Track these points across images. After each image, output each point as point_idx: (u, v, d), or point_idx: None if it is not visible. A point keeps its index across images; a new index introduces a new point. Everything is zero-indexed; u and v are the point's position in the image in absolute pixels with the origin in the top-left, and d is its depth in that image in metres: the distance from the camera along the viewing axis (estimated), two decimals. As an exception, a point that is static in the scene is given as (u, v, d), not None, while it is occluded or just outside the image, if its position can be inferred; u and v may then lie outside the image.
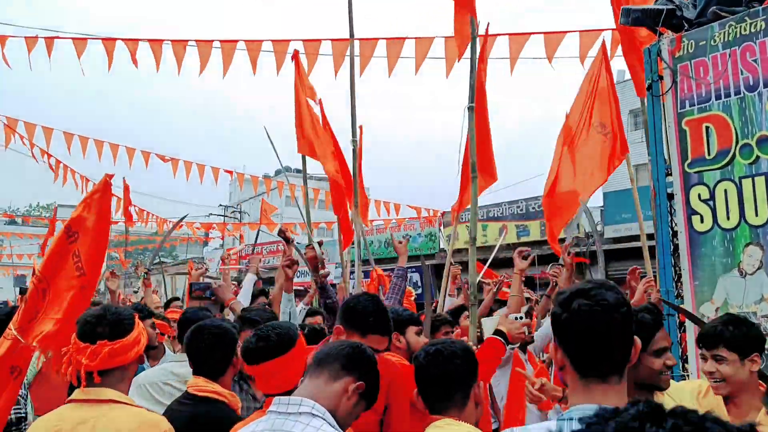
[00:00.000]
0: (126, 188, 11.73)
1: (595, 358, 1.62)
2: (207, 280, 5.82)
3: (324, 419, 1.90)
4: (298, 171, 6.63)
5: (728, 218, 3.39)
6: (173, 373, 3.62)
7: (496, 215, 20.65)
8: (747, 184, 3.34)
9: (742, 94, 3.42)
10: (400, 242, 5.04)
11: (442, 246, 21.79)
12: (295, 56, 7.10)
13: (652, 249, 5.57)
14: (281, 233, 5.07)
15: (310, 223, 6.77)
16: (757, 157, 3.32)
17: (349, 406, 2.00)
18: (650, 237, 6.88)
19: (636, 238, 15.54)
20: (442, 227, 21.32)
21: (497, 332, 3.09)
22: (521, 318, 3.28)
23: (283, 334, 2.45)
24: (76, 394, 2.37)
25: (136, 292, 9.43)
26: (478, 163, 5.99)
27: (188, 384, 2.91)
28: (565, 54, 7.03)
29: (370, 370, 2.10)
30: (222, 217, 34.43)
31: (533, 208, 18.61)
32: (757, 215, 3.29)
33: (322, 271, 4.16)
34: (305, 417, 1.90)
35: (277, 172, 39.83)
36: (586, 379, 1.63)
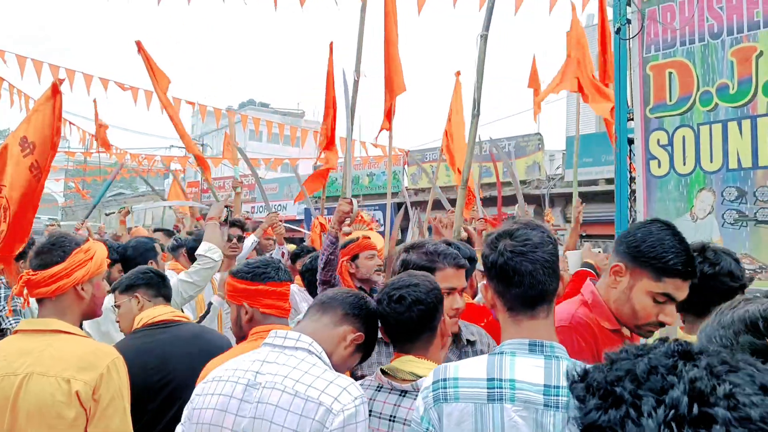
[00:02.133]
0: (96, 113, 11.50)
1: (522, 295, 1.68)
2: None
3: (320, 358, 1.86)
4: (263, 105, 6.46)
5: (684, 164, 3.47)
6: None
7: (460, 156, 20.72)
8: (704, 130, 3.41)
9: (705, 41, 3.44)
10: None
11: (405, 184, 21.84)
12: (139, 46, 6.41)
13: (612, 193, 5.71)
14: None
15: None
16: (716, 104, 3.38)
17: (344, 354, 1.98)
18: (609, 181, 7.02)
19: (595, 182, 15.81)
20: (406, 166, 21.35)
21: (586, 264, 3.12)
22: (600, 251, 3.33)
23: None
24: (22, 324, 2.34)
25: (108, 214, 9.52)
26: (388, 77, 6.13)
27: (161, 313, 2.88)
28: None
29: (371, 323, 2.07)
30: (184, 150, 33.75)
31: (494, 150, 18.67)
32: (711, 162, 3.37)
33: (346, 228, 3.93)
34: (301, 352, 1.86)
35: (241, 105, 39.10)
36: (515, 315, 1.70)
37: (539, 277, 1.67)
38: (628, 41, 3.80)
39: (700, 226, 3.38)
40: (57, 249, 2.35)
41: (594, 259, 3.07)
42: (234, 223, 5.64)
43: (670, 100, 3.55)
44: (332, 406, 1.70)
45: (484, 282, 1.81)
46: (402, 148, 21.27)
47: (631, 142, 3.81)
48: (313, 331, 1.93)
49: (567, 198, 16.69)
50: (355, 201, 4.13)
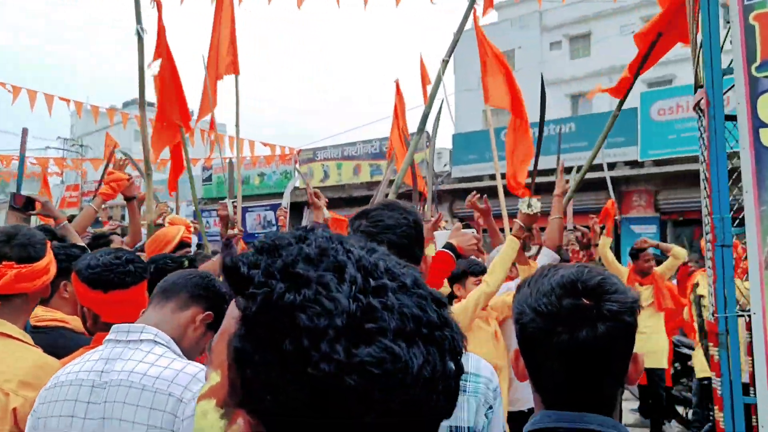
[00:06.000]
0: None
1: None
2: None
3: (168, 347, 1.80)
4: (149, 104, 6.19)
5: (805, 130, 2.94)
6: None
7: (350, 154, 20.95)
8: None
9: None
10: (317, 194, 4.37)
11: (297, 184, 21.79)
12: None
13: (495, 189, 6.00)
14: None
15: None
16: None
17: (195, 337, 1.92)
18: (493, 177, 7.39)
19: (479, 178, 16.47)
20: (298, 165, 21.34)
21: (447, 245, 2.94)
22: (473, 231, 3.12)
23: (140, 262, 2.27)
24: None
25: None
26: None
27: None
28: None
29: (220, 300, 1.98)
30: (61, 151, 32.08)
31: (387, 147, 19.06)
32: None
33: (231, 231, 4.09)
34: (147, 344, 1.78)
35: (126, 104, 37.38)
36: None
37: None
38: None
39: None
40: (38, 242, 2.19)
41: (458, 240, 2.94)
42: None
43: None
44: (182, 396, 1.66)
45: None
46: (292, 146, 21.26)
47: (730, 118, 3.17)
48: (158, 320, 1.85)
49: (454, 194, 17.28)
50: (230, 203, 4.31)
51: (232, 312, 0.66)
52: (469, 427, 1.67)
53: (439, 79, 5.49)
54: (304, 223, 7.83)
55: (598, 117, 17.83)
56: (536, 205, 3.26)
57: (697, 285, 5.84)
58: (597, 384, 1.18)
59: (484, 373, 1.72)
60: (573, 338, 1.14)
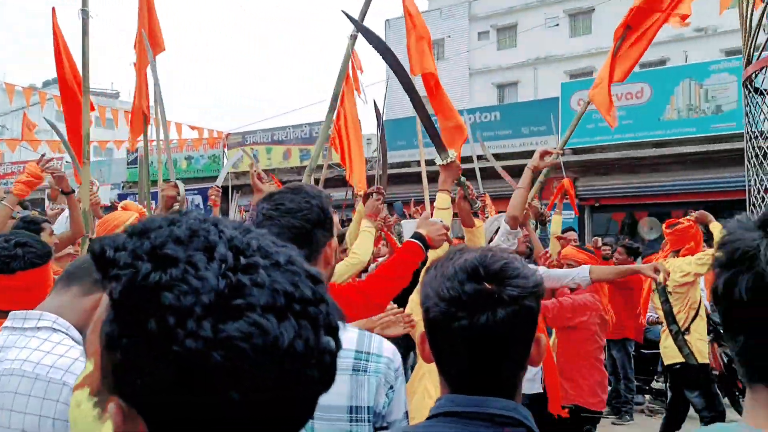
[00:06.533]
0: None
1: None
2: None
3: (67, 334, 1.72)
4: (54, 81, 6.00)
5: None
6: None
7: (281, 139, 20.87)
8: None
9: None
10: (260, 177, 3.79)
11: (233, 165, 21.51)
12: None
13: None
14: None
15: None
16: None
17: None
18: (426, 163, 7.65)
19: (407, 164, 16.75)
20: (226, 149, 21.11)
21: (415, 235, 2.75)
22: (441, 221, 2.86)
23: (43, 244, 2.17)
24: None
25: None
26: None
27: None
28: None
29: None
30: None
31: (316, 132, 19.09)
32: None
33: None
34: (44, 331, 1.70)
35: (46, 84, 35.71)
36: None
37: (292, 243, 1.67)
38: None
39: None
40: None
41: (427, 229, 2.75)
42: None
43: None
44: None
45: None
46: (220, 130, 21.02)
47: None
48: (59, 306, 1.77)
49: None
50: (180, 184, 4.14)
51: (105, 299, 0.66)
52: (369, 407, 1.67)
53: (348, 56, 5.35)
54: (232, 206, 7.83)
55: (521, 106, 18.42)
56: (452, 154, 3.17)
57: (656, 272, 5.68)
58: (497, 368, 1.18)
59: (386, 354, 1.73)
60: (473, 323, 1.13)
